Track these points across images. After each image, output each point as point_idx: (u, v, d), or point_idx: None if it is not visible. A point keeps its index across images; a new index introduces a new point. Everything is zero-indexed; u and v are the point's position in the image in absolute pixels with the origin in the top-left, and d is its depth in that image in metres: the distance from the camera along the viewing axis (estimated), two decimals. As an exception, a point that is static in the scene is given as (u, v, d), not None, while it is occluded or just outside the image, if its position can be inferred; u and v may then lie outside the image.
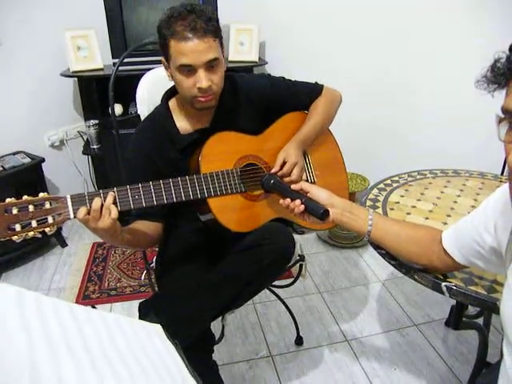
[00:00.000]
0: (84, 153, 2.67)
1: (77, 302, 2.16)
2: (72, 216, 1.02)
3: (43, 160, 2.46)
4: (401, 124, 2.57)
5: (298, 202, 1.10)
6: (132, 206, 1.09)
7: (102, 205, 1.04)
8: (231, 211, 1.25)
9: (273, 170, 1.31)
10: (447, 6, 2.24)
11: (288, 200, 1.13)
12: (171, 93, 1.34)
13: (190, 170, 1.25)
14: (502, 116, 0.61)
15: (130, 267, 2.42)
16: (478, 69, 0.67)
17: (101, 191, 1.06)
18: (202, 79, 1.17)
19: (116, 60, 2.33)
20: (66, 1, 2.49)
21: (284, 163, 1.32)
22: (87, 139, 2.70)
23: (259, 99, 1.37)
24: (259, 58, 2.67)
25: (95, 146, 2.65)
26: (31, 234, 0.97)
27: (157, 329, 0.81)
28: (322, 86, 1.48)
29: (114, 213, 1.04)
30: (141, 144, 1.31)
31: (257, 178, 1.31)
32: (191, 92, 1.21)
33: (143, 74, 2.35)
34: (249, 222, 1.27)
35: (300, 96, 1.44)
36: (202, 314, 1.25)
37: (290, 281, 1.72)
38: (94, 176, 2.89)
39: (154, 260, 1.51)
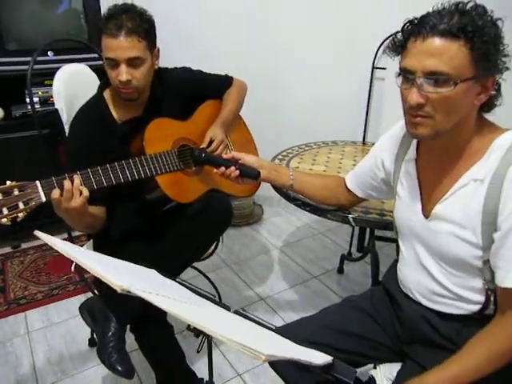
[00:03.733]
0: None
1: (-18, 319, 2.04)
2: (44, 199, 1.08)
3: None
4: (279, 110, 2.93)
5: (232, 168, 1.30)
6: (95, 186, 1.19)
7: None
8: (175, 185, 1.40)
9: (202, 146, 1.50)
10: None
11: (222, 168, 1.32)
12: (105, 83, 1.42)
13: (132, 154, 1.35)
14: (399, 72, 0.91)
15: (35, 274, 2.34)
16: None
17: (66, 175, 1.14)
18: (122, 73, 1.29)
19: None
20: None
21: (211, 141, 1.51)
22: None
23: (183, 90, 1.53)
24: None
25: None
26: (4, 220, 1.01)
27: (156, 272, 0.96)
28: (232, 77, 1.72)
29: (86, 191, 1.14)
30: (80, 135, 1.37)
31: (190, 156, 1.49)
32: (114, 83, 1.34)
33: (24, 75, 2.30)
34: (190, 194, 1.44)
35: (216, 86, 1.66)
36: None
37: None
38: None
39: (89, 247, 1.58)
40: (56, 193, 1.09)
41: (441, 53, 0.82)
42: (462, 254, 0.95)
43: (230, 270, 2.45)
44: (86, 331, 1.93)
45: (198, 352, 0.92)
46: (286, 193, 1.53)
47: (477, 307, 0.99)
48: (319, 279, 2.38)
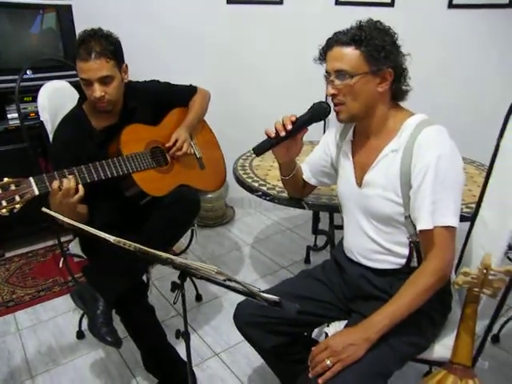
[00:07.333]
0: None
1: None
2: (37, 192, 1.28)
3: None
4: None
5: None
6: (80, 182, 1.39)
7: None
8: (149, 182, 1.61)
9: (167, 145, 1.72)
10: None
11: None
12: (84, 97, 1.61)
13: (110, 157, 1.54)
14: (326, 74, 1.19)
15: (21, 279, 2.48)
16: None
17: (55, 173, 1.34)
18: (96, 90, 1.51)
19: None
20: None
21: (176, 141, 1.73)
22: None
23: (152, 99, 1.75)
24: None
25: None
26: (4, 211, 1.20)
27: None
28: (196, 87, 1.94)
29: (81, 191, 1.36)
30: (62, 140, 1.56)
31: (161, 156, 1.72)
32: (90, 98, 1.55)
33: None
34: (162, 188, 1.64)
35: (182, 95, 1.89)
36: (136, 268, 1.58)
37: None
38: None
39: (76, 243, 1.76)
40: (55, 184, 1.30)
41: (341, 57, 1.14)
42: (388, 212, 1.20)
43: (205, 266, 2.64)
44: (73, 326, 2.10)
45: (174, 303, 1.12)
46: (249, 185, 1.78)
47: (403, 261, 1.23)
48: (288, 269, 2.61)
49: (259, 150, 1.32)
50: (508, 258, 2.10)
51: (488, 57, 2.87)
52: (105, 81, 1.51)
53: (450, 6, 2.78)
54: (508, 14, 2.77)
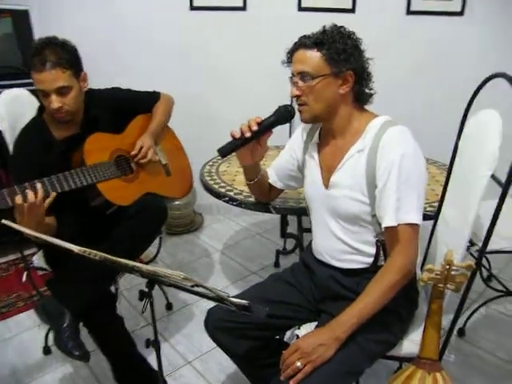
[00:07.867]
0: None
1: None
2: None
3: None
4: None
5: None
6: (50, 190, 1.37)
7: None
8: (115, 191, 1.58)
9: (132, 153, 1.69)
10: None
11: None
12: (43, 106, 1.57)
13: (74, 167, 1.51)
14: (291, 76, 1.22)
15: (-17, 295, 2.39)
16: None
17: (15, 187, 1.29)
18: (53, 102, 1.46)
19: None
20: None
21: (141, 148, 1.71)
22: None
23: (114, 106, 1.72)
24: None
25: None
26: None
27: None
28: (159, 93, 1.92)
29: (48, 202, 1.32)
30: (23, 151, 1.52)
31: (126, 164, 1.69)
32: (48, 109, 1.51)
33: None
34: (128, 197, 1.62)
35: (144, 102, 1.86)
36: (103, 278, 1.55)
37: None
38: None
39: (40, 256, 1.71)
40: (18, 199, 1.25)
41: (304, 59, 1.18)
42: (355, 211, 1.22)
43: (174, 274, 2.61)
44: (40, 341, 2.02)
45: (142, 313, 1.10)
46: (216, 191, 1.78)
47: (371, 260, 1.25)
48: (258, 274, 2.61)
49: (224, 151, 1.32)
50: (471, 253, 2.17)
51: (451, 59, 2.98)
52: (62, 91, 1.47)
53: (409, 12, 2.87)
54: (462, 21, 2.89)
